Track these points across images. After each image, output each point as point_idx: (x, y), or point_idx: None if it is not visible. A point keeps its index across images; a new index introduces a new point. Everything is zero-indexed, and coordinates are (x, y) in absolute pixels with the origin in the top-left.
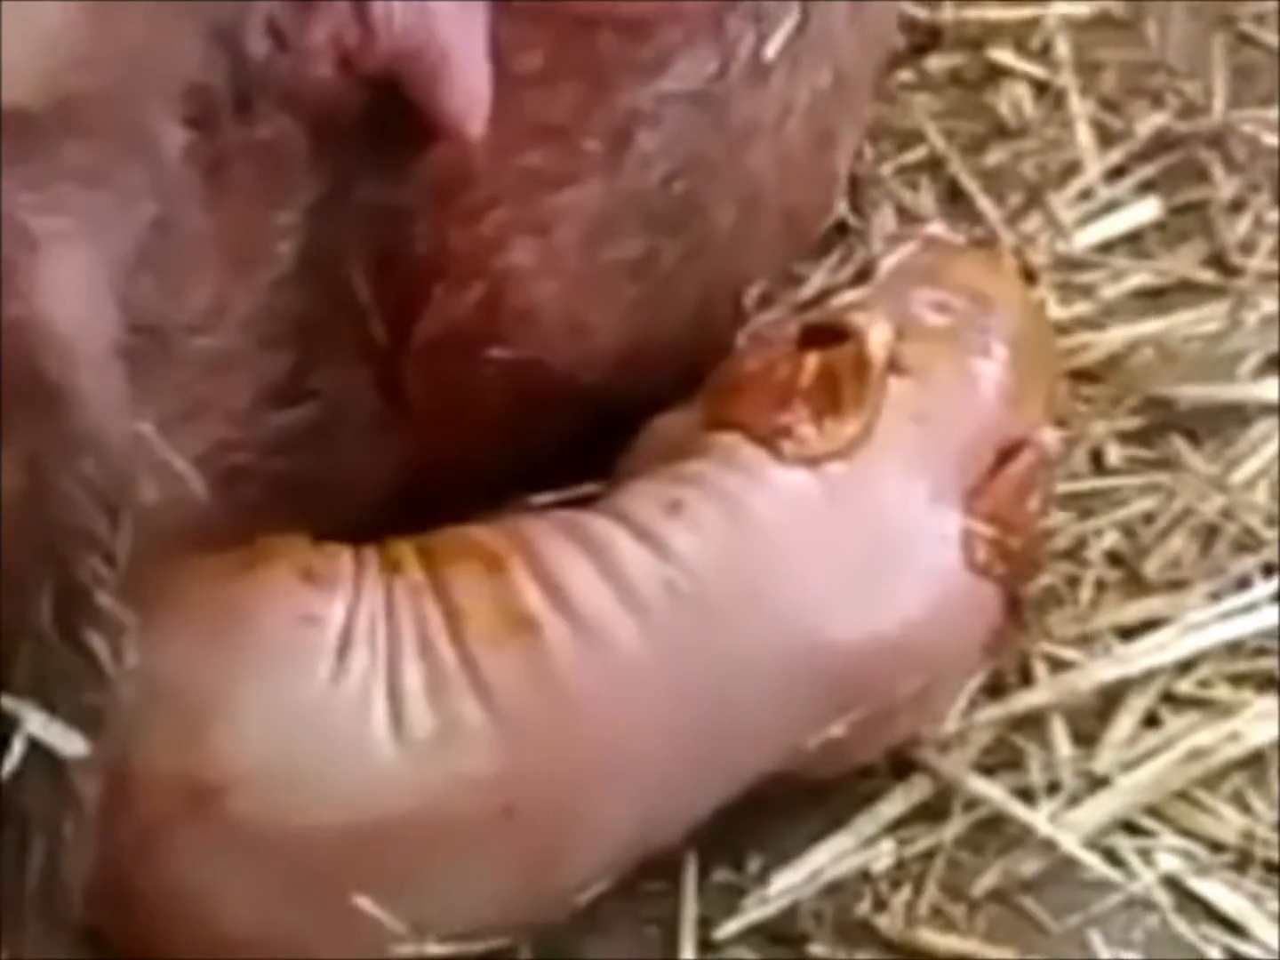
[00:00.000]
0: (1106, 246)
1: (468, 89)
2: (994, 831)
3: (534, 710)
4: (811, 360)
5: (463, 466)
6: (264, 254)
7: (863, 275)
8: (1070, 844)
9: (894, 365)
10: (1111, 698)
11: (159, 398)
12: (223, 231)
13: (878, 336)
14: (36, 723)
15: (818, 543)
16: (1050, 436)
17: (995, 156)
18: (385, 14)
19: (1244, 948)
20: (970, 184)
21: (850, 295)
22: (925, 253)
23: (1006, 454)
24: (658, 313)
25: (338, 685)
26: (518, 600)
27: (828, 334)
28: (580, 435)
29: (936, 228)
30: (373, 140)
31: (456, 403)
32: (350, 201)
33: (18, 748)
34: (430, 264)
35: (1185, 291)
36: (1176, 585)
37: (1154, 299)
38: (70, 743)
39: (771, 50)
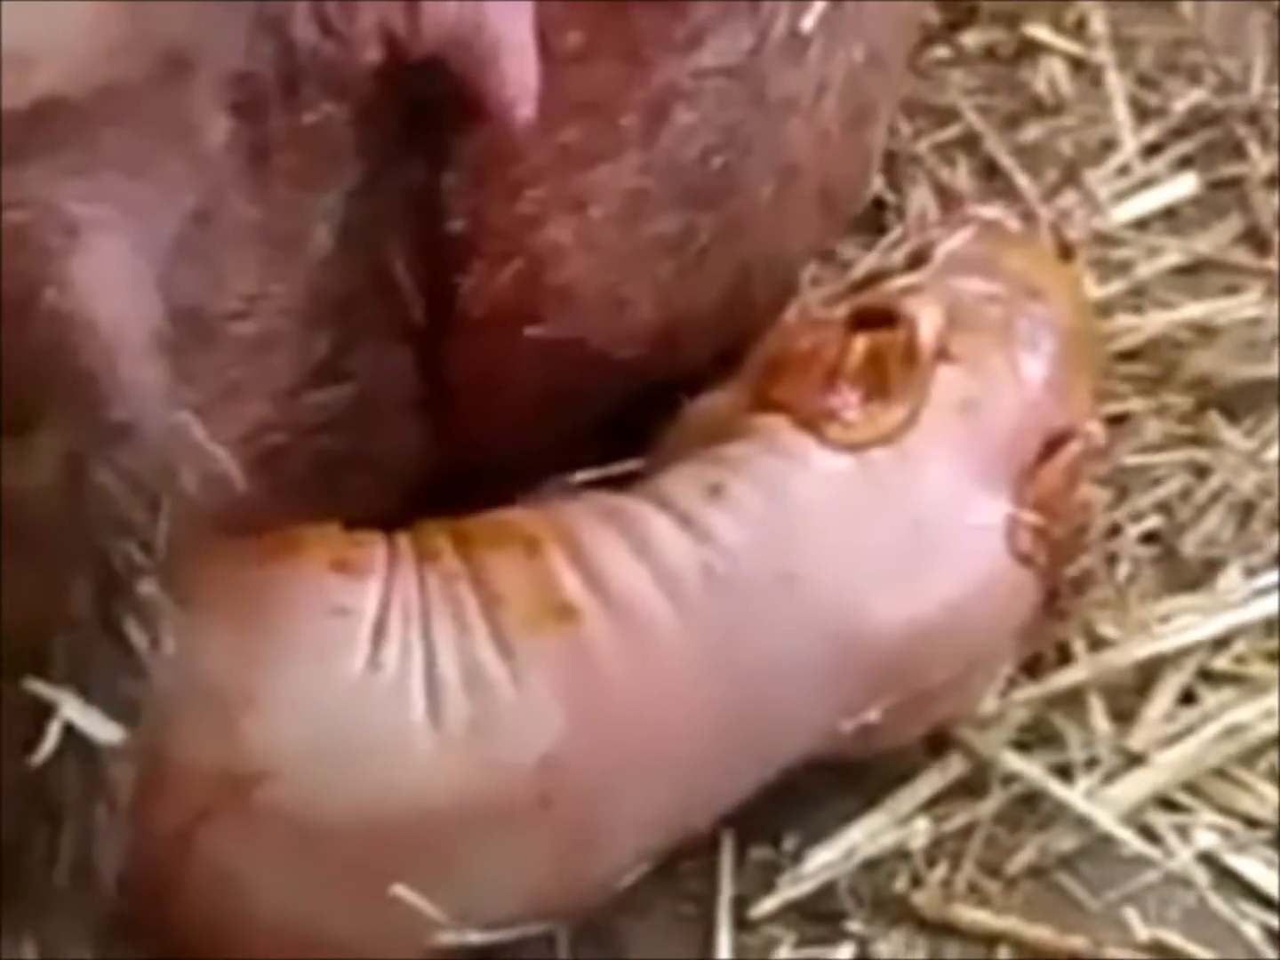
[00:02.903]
0: (1143, 223)
1: (517, 76)
2: (1031, 808)
3: (572, 698)
4: (860, 343)
5: (501, 444)
6: (306, 238)
7: (917, 260)
8: (1107, 821)
9: (943, 354)
10: (1149, 674)
11: (198, 382)
12: (266, 218)
13: (929, 323)
14: (73, 708)
15: (859, 529)
16: (1096, 428)
17: (1031, 133)
18: (435, 2)
19: None
20: (1006, 161)
21: (904, 280)
22: (979, 241)
23: (1054, 444)
24: (695, 289)
25: (373, 675)
26: (556, 587)
27: (878, 317)
28: (618, 414)
29: (990, 211)
30: (415, 122)
31: (495, 381)
32: (391, 182)
33: (53, 733)
34: (469, 242)
35: (1222, 269)
36: (1213, 561)
37: (1190, 276)
38: (106, 729)
39: (808, 23)
